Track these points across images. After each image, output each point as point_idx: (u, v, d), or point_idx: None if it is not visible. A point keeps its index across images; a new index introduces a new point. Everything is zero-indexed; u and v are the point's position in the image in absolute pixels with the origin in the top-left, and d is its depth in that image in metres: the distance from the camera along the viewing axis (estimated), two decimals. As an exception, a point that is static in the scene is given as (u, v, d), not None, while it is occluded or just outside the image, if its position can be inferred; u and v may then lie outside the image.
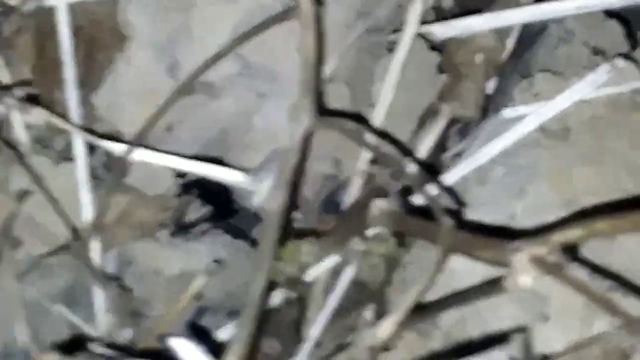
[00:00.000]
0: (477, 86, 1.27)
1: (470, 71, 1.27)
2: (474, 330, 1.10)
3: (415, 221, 0.89)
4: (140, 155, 1.12)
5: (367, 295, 1.26)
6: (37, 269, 1.22)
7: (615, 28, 1.32)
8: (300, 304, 1.19)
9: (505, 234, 0.84)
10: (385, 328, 0.79)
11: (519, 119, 1.19)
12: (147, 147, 1.15)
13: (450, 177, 1.19)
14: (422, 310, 0.84)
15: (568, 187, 1.12)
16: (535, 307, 1.05)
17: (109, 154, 1.24)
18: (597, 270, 0.78)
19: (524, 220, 1.11)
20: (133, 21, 1.17)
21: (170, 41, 1.17)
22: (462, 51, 1.28)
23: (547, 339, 1.03)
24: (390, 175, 1.04)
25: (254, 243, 1.26)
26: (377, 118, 1.23)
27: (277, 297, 1.15)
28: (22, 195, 1.17)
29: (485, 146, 1.18)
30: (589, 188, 1.12)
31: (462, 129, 1.32)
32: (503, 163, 1.16)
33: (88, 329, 1.20)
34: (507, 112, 1.19)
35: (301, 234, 1.09)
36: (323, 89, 1.08)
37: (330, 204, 1.30)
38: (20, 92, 1.20)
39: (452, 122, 1.32)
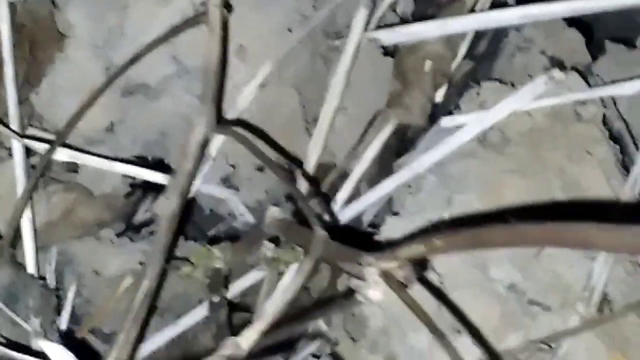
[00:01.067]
0: (424, 94, 1.25)
1: (418, 79, 1.25)
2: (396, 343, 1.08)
3: (294, 228, 0.88)
4: (67, 155, 1.11)
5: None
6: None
7: (574, 36, 1.29)
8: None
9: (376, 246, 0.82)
10: (248, 337, 0.77)
11: (458, 128, 1.16)
12: (82, 149, 1.14)
13: (387, 187, 1.17)
14: (288, 319, 0.82)
15: (496, 198, 1.09)
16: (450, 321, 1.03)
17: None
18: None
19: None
20: (71, 20, 1.18)
21: (106, 41, 1.17)
22: (411, 58, 1.26)
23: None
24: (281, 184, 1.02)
25: (212, 242, 1.25)
26: (324, 121, 1.20)
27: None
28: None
29: (422, 155, 1.15)
30: (519, 199, 1.10)
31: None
32: (436, 172, 1.13)
33: (27, 326, 1.19)
34: (446, 122, 1.16)
35: (217, 240, 1.08)
36: (222, 96, 1.06)
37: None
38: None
39: (403, 129, 1.30)
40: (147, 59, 1.15)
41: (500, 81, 1.22)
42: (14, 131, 1.14)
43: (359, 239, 0.86)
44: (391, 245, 0.72)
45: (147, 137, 1.22)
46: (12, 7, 1.19)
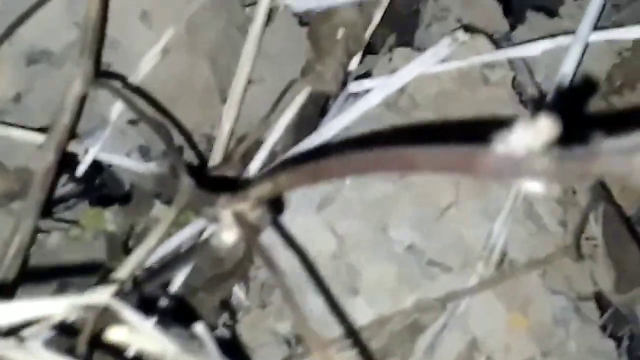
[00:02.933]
0: (337, 61, 1.23)
1: (331, 46, 1.24)
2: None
3: (167, 181, 0.87)
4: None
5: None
6: None
7: (491, 5, 1.28)
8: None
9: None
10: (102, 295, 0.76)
11: (366, 93, 1.14)
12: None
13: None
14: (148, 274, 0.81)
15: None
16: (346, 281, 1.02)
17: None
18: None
19: (349, 192, 1.08)
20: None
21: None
22: (325, 26, 1.25)
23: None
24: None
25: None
26: (236, 89, 1.19)
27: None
28: None
29: (330, 121, 1.14)
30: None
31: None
32: (343, 137, 1.12)
33: None
34: (354, 86, 1.15)
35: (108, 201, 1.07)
36: (100, 51, 1.04)
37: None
38: None
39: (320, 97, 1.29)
40: (48, 24, 1.12)
41: (413, 47, 1.20)
42: None
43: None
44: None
45: (55, 106, 1.20)
46: None
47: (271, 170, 0.90)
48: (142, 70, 1.12)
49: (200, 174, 0.98)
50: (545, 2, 1.36)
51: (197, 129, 1.25)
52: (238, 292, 1.17)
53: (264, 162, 1.23)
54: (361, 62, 1.27)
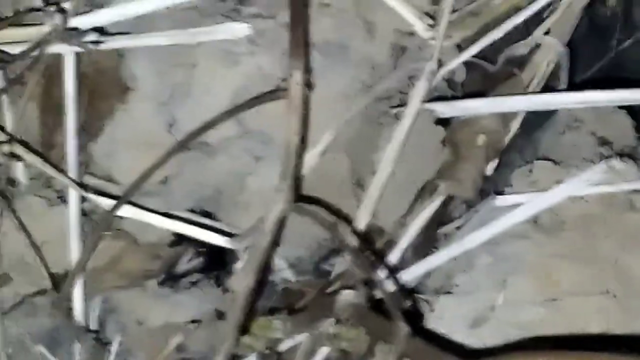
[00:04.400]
0: (476, 168, 1.26)
1: (470, 152, 1.27)
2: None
3: (374, 319, 0.89)
4: (129, 212, 1.12)
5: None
6: (23, 308, 1.22)
7: (623, 120, 1.31)
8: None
9: (457, 350, 0.83)
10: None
11: (511, 208, 1.17)
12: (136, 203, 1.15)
13: (437, 259, 1.18)
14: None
15: (551, 283, 1.11)
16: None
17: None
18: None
19: (502, 313, 1.10)
20: (137, 74, 1.19)
21: (171, 97, 1.18)
22: (465, 131, 1.28)
23: None
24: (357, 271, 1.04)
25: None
26: (375, 186, 1.22)
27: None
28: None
29: (474, 232, 1.17)
30: (572, 287, 1.11)
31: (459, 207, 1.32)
32: (490, 251, 1.15)
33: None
34: (500, 200, 1.17)
35: (274, 310, 1.09)
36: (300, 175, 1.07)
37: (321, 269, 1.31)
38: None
39: (450, 199, 1.31)
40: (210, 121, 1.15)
41: (553, 161, 1.23)
42: (74, 181, 1.14)
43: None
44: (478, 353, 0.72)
45: (200, 193, 1.23)
46: (77, 57, 1.19)
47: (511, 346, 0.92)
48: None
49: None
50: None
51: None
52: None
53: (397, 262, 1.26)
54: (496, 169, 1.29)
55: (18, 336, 1.22)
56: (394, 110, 1.27)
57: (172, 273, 1.32)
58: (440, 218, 1.33)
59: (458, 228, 1.28)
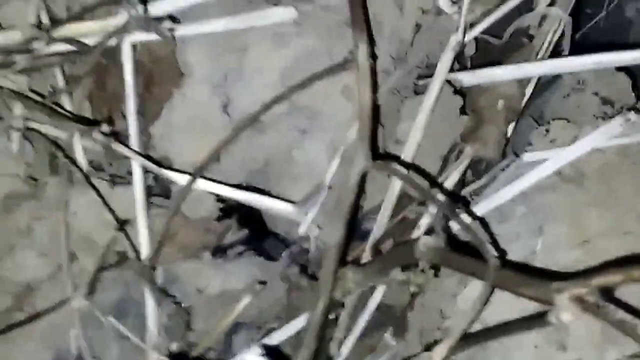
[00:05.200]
0: (499, 129, 1.39)
1: (492, 116, 1.39)
2: (495, 358, 1.22)
3: (460, 258, 1.01)
4: (197, 184, 1.21)
5: (389, 318, 1.39)
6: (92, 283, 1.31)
7: (623, 80, 1.45)
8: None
9: (541, 274, 0.95)
10: (439, 353, 0.90)
11: (538, 163, 1.30)
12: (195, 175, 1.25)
13: (477, 211, 1.31)
14: (470, 339, 0.95)
15: (582, 228, 1.24)
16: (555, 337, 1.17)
17: (157, 179, 1.34)
18: (631, 310, 0.89)
19: (543, 256, 1.23)
20: (191, 60, 1.28)
21: (224, 80, 1.27)
22: (485, 97, 1.40)
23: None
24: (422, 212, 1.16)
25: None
26: (407, 156, 1.33)
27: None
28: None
29: (506, 187, 1.29)
30: (600, 230, 1.25)
31: (478, 168, 1.44)
32: (523, 203, 1.27)
33: (137, 341, 1.29)
34: (527, 157, 1.30)
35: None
36: (376, 136, 1.18)
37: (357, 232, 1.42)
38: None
39: (471, 162, 1.44)
40: (264, 97, 1.26)
41: (567, 120, 1.37)
42: (144, 156, 1.23)
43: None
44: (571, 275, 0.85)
45: (250, 167, 1.33)
46: (134, 47, 1.28)
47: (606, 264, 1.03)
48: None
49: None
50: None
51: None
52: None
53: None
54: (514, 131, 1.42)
55: (88, 310, 1.29)
56: (421, 82, 1.37)
57: (221, 245, 1.42)
58: (461, 182, 1.45)
59: (483, 187, 1.39)
